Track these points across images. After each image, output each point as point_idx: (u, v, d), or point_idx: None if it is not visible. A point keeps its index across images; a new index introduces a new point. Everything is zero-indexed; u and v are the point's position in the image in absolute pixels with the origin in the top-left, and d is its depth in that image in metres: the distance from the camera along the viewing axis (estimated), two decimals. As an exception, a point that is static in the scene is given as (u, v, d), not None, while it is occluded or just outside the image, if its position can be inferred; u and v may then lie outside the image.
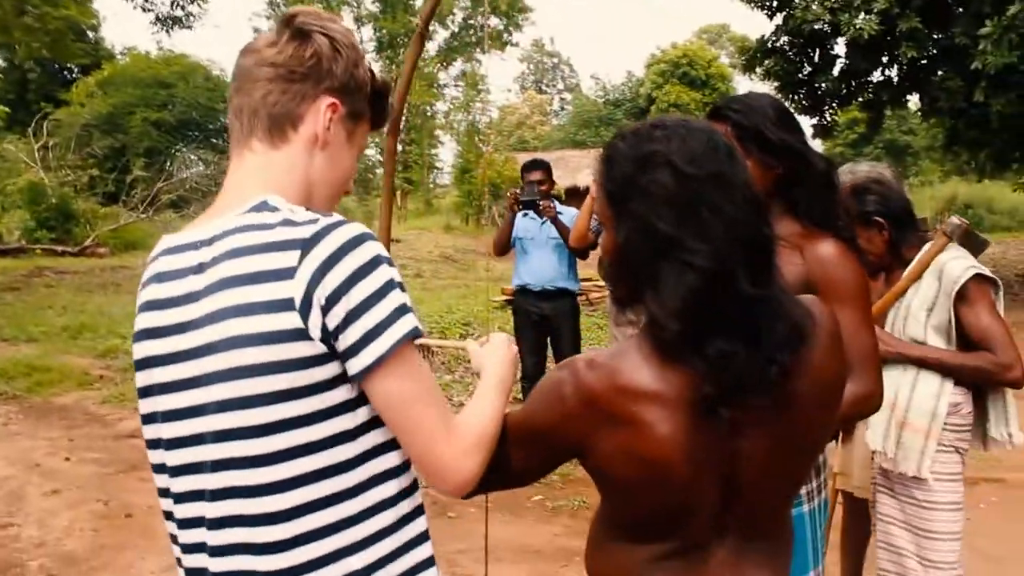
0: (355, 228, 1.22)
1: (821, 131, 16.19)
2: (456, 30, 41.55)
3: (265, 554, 1.21)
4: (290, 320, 1.16)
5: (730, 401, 1.19)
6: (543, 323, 5.81)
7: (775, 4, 14.86)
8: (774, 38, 15.15)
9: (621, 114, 42.39)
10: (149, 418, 1.32)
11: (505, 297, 10.91)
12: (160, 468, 1.32)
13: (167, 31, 20.71)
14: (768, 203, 2.09)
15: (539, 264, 5.77)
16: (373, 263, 1.20)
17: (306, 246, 1.17)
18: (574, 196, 31.85)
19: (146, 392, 1.31)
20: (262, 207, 1.25)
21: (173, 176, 26.38)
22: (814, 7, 13.40)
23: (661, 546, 1.31)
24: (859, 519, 3.51)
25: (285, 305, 1.16)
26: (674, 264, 1.20)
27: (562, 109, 60.60)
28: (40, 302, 13.38)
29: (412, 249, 21.49)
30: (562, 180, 30.06)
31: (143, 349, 1.30)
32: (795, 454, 1.35)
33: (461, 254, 22.11)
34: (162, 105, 32.95)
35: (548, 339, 5.89)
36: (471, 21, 41.32)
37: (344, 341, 1.18)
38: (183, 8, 20.06)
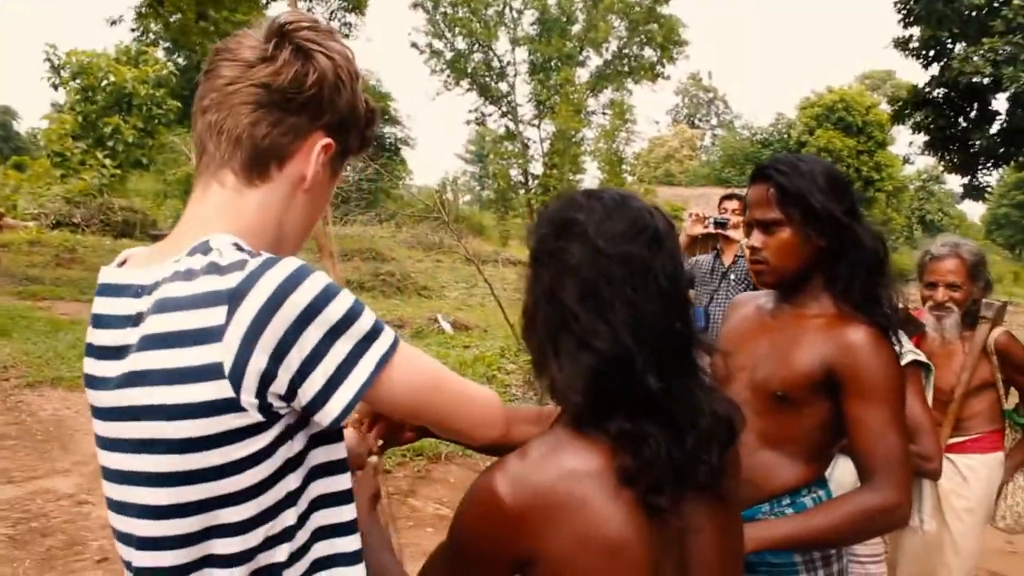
0: (290, 264, 1.04)
1: (972, 192, 15.30)
2: (609, 58, 41.61)
3: None
4: (218, 389, 1.00)
5: (657, 488, 1.11)
6: None
7: (931, 54, 14.17)
8: (927, 90, 14.43)
9: (769, 153, 41.45)
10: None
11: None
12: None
13: (325, 40, 21.56)
14: (810, 277, 1.96)
15: None
16: (322, 298, 1.03)
17: (233, 299, 1.00)
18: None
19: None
20: (199, 249, 1.07)
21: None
22: (975, 59, 12.71)
23: None
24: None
25: (212, 371, 1.00)
26: (573, 338, 1.16)
27: (712, 145, 59.74)
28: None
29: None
30: (701, 217, 29.69)
31: (88, 395, 1.18)
32: (734, 557, 1.29)
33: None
34: (321, 110, 34.25)
35: None
36: (625, 50, 41.30)
37: (303, 397, 1.04)
38: (340, 20, 20.83)
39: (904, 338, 2.42)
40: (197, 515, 1.05)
